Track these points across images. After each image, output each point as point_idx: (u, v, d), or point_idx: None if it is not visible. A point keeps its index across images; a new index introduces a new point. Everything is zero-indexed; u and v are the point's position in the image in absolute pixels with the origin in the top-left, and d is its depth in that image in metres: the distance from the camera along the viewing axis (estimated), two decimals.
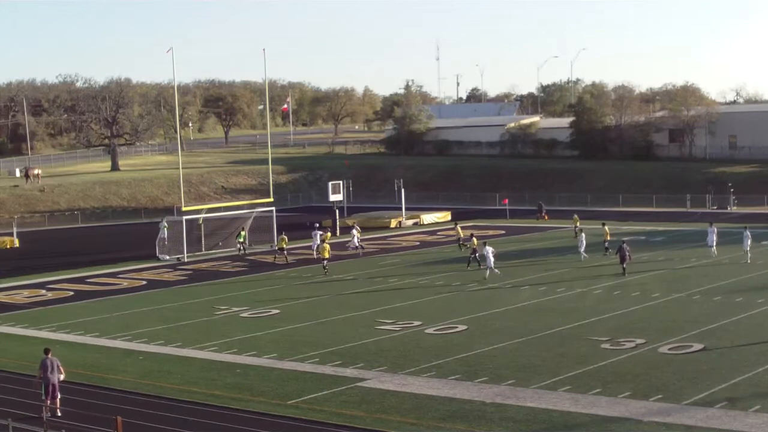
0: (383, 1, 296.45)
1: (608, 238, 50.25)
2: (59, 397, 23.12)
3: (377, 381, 25.02)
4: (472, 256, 46.78)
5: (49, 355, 23.46)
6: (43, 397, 22.88)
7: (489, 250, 44.02)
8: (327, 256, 47.02)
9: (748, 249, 46.19)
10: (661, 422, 20.67)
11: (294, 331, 32.65)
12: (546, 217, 72.86)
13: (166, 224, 57.80)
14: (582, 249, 48.37)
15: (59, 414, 22.27)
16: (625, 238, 47.23)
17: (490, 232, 64.22)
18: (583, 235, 49.27)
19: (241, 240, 55.88)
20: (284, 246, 52.43)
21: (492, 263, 43.57)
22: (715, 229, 48.59)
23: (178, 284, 45.35)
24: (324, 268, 46.64)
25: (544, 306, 35.94)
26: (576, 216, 61.46)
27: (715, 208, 77.05)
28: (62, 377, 23.35)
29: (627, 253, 43.16)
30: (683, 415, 21.08)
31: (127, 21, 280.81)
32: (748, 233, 46.52)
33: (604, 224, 53.81)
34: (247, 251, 55.43)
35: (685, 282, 40.43)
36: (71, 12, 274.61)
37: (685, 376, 24.51)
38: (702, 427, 20.24)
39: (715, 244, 47.99)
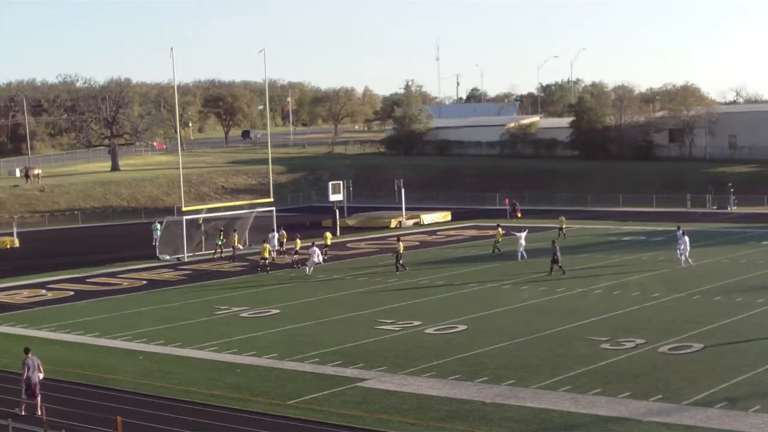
0: (383, 1, 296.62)
1: (500, 239, 51.90)
2: (40, 396, 23.12)
3: (377, 381, 25.01)
4: (399, 262, 46.03)
5: (29, 354, 23.55)
6: (23, 396, 22.99)
7: (315, 251, 46.07)
8: (266, 255, 48.05)
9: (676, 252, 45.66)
10: (661, 422, 20.68)
11: (294, 331, 32.65)
12: (519, 214, 73.07)
13: (158, 225, 57.63)
14: (520, 249, 48.65)
15: (39, 413, 22.35)
16: (555, 238, 46.10)
17: (491, 232, 64.19)
18: (522, 234, 49.47)
19: (219, 243, 54.97)
20: (234, 243, 53.56)
21: (312, 264, 45.70)
22: (687, 237, 45.97)
23: (178, 284, 45.35)
24: (266, 266, 47.62)
25: (544, 306, 35.93)
26: (562, 217, 61.19)
27: (715, 208, 77.07)
28: (41, 377, 23.43)
29: (557, 254, 43.23)
30: (683, 415, 21.09)
31: (127, 21, 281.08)
32: (685, 238, 45.46)
33: (498, 225, 55.42)
34: (223, 254, 54.79)
35: (685, 282, 40.41)
36: (71, 12, 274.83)
37: (685, 376, 24.51)
38: (702, 427, 20.24)
39: (685, 249, 45.31)
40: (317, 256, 46.78)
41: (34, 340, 32.08)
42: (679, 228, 48.23)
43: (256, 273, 47.37)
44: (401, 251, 46.54)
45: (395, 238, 51.62)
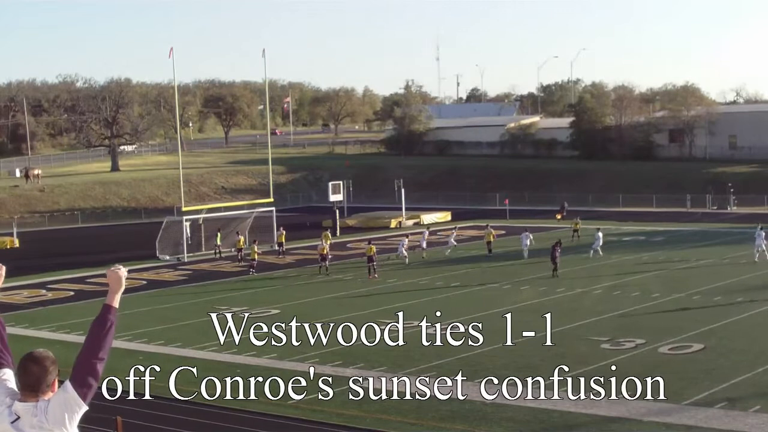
0: (383, 1, 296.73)
1: (491, 239, 52.69)
2: None
3: (377, 381, 25.00)
4: (371, 264, 45.11)
5: None
6: None
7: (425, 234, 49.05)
8: (255, 257, 47.74)
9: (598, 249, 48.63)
10: (661, 422, 20.68)
11: None
12: (558, 217, 72.49)
13: (187, 223, 57.38)
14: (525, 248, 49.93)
15: None
16: (558, 240, 45.59)
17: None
18: (528, 235, 50.83)
19: (218, 243, 54.99)
20: (240, 245, 52.56)
21: (402, 250, 48.46)
22: (764, 233, 46.45)
23: (178, 284, 45.34)
24: (251, 269, 47.36)
25: (544, 306, 35.91)
26: (578, 219, 60.85)
27: (715, 208, 77.07)
28: None
29: (556, 254, 43.04)
30: (683, 415, 21.08)
31: (127, 21, 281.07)
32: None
33: (488, 225, 56.22)
34: (222, 254, 54.88)
35: (685, 282, 40.42)
36: (71, 12, 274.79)
37: (685, 376, 24.51)
38: (702, 427, 20.24)
39: (764, 247, 45.81)
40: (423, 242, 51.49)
41: (34, 340, 32.07)
42: (760, 227, 48.00)
43: (249, 273, 47.41)
44: (370, 254, 45.33)
45: (366, 242, 50.85)
